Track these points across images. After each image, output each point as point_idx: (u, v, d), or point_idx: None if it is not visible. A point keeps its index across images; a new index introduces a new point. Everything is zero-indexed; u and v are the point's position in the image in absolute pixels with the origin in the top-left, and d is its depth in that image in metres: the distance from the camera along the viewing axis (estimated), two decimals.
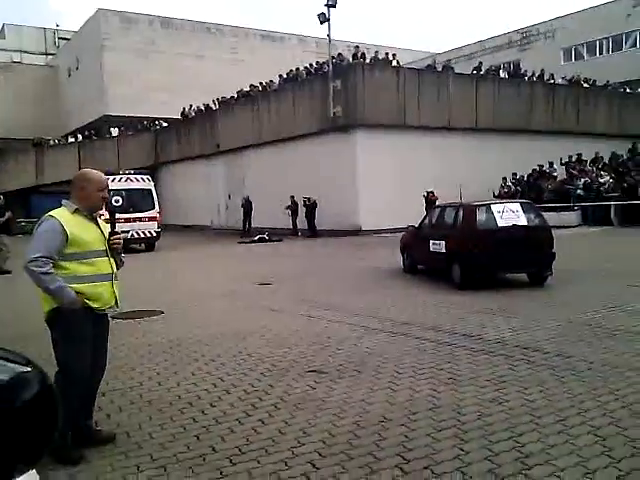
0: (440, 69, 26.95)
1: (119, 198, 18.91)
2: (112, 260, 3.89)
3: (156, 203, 20.85)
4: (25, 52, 50.42)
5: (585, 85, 30.18)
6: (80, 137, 38.12)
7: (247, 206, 26.32)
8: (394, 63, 25.63)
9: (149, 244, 20.59)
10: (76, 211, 3.77)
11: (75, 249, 3.67)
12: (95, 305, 3.75)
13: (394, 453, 3.58)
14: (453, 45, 42.71)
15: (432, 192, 21.04)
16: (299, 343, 6.44)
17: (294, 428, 4.05)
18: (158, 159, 37.10)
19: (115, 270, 3.92)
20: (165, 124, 37.13)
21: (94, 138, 37.60)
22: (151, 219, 20.36)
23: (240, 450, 3.74)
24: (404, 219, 14.21)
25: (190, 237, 27.54)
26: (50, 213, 3.72)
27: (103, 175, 4.01)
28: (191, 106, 34.53)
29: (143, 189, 20.68)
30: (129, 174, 21.09)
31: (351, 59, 24.98)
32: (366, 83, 23.06)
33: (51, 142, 37.52)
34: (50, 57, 51.22)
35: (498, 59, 37.69)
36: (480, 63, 28.96)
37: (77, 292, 3.65)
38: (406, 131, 23.26)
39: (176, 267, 15.64)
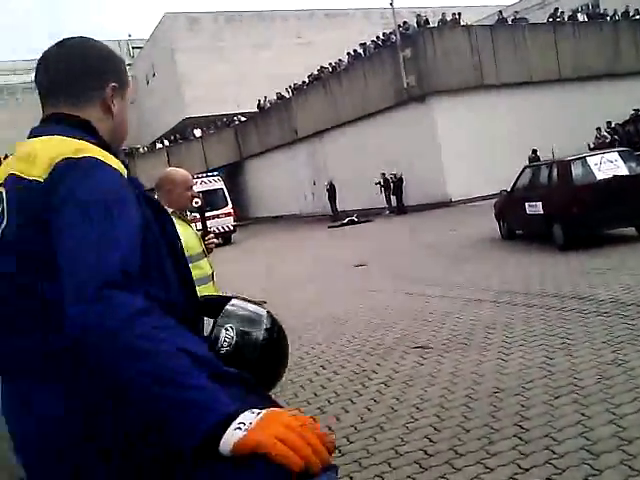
0: (510, 22, 25.66)
1: (197, 200, 21.58)
2: (209, 259, 3.85)
3: (229, 200, 22.83)
4: None
5: None
6: (167, 142, 39.75)
7: (331, 190, 26.47)
8: (462, 23, 24.69)
9: (227, 238, 22.34)
10: (173, 214, 3.60)
11: (187, 254, 3.67)
12: None
13: (511, 423, 3.53)
14: None
15: (535, 150, 20.11)
16: (401, 321, 6.45)
17: (406, 404, 4.08)
18: (242, 154, 38.03)
19: (214, 269, 3.87)
20: (244, 118, 37.90)
21: (179, 142, 39.07)
22: (227, 215, 22.44)
23: (356, 428, 3.83)
24: (495, 184, 13.75)
25: (280, 226, 28.11)
26: None
27: (186, 172, 3.93)
28: (266, 97, 35.02)
29: (216, 189, 22.73)
30: (202, 177, 23.20)
31: (416, 26, 24.31)
32: (437, 48, 22.41)
33: (141, 150, 39.39)
34: (127, 67, 53.37)
35: (573, 3, 35.20)
36: (556, 9, 27.29)
37: None
38: (485, 91, 22.40)
39: (271, 256, 16.05)
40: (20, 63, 48.32)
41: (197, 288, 3.63)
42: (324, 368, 5.20)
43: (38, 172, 1.18)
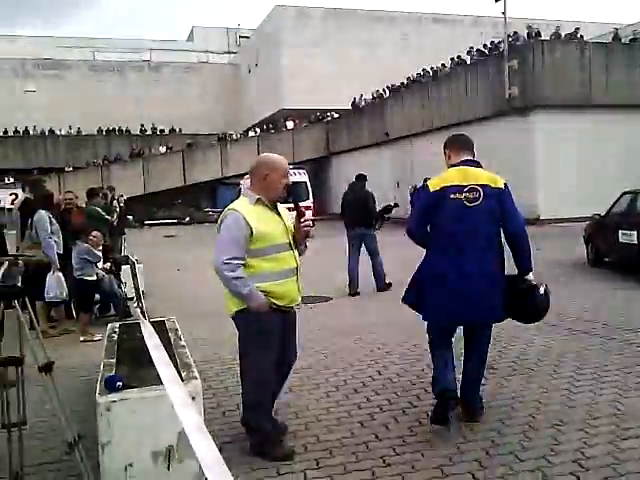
0: (628, 42, 24.19)
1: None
2: (296, 253, 3.64)
3: (310, 194, 23.25)
4: (210, 52, 54.68)
5: None
6: (259, 131, 40.59)
7: (415, 195, 26.05)
8: (577, 37, 23.60)
9: None
10: (258, 201, 3.52)
11: (259, 245, 3.43)
12: (282, 303, 3.53)
13: (570, 459, 3.31)
14: None
15: None
16: None
17: (460, 424, 3.90)
18: (329, 150, 38.21)
19: (299, 263, 3.65)
20: (336, 115, 38.08)
21: (271, 131, 39.82)
22: (307, 208, 22.44)
23: (404, 441, 3.71)
24: (589, 207, 13.04)
25: None
26: (232, 207, 3.49)
27: (284, 159, 3.79)
28: (361, 96, 35.01)
29: (301, 181, 22.99)
30: (289, 168, 23.56)
31: (526, 37, 23.52)
32: (545, 61, 21.58)
33: (234, 137, 40.45)
34: (232, 55, 55.04)
35: None
36: None
37: (264, 292, 3.43)
38: (591, 111, 21.29)
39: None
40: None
41: (277, 282, 3.48)
42: (380, 373, 5.10)
43: (500, 185, 3.78)
